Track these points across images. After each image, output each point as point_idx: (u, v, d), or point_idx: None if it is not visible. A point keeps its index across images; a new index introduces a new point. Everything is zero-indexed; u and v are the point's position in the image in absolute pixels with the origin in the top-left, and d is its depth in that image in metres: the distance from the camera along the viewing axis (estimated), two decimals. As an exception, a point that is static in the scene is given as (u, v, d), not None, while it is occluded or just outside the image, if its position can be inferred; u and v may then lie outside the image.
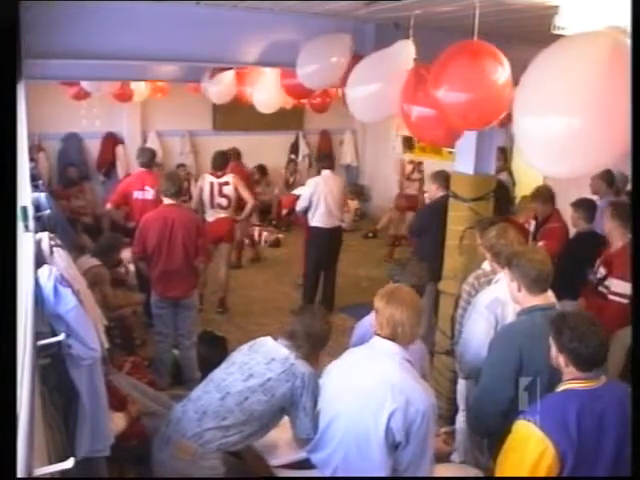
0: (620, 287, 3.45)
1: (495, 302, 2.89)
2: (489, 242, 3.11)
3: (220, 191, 5.86)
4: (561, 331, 2.11)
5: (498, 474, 2.14)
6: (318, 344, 2.69)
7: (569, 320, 2.12)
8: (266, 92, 4.82)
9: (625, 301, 3.43)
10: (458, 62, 2.54)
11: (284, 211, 6.58)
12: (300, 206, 6.02)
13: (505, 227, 3.17)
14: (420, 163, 8.49)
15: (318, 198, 5.85)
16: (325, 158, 6.59)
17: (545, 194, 4.74)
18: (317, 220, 5.93)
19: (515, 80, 2.54)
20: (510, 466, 2.07)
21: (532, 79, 2.08)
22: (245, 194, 5.99)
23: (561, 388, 2.12)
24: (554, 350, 2.15)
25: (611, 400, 2.07)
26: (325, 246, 6.00)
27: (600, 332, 2.06)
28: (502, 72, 2.51)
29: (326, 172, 6.06)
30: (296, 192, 6.77)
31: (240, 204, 6.10)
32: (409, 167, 8.54)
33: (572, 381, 2.09)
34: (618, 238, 3.73)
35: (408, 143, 8.32)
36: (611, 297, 3.60)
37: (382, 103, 3.18)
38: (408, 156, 8.44)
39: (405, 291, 2.36)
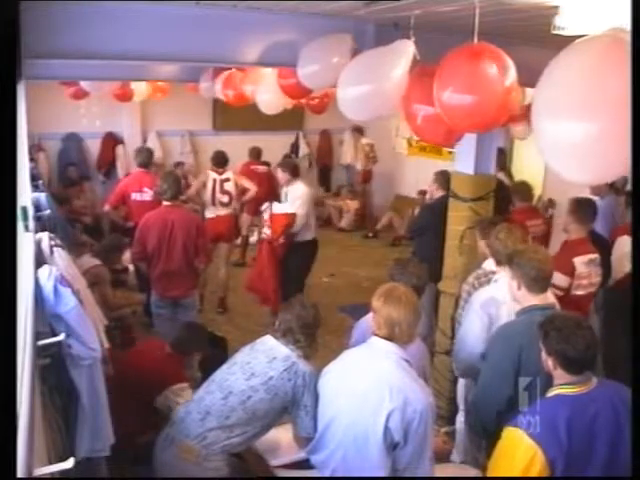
0: (555, 279, 3.41)
1: (490, 301, 2.91)
2: (493, 242, 3.11)
3: (222, 187, 5.93)
4: (548, 333, 2.10)
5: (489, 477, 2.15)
6: (313, 331, 2.69)
7: (555, 322, 2.11)
8: (270, 92, 4.78)
9: (557, 292, 3.40)
10: (464, 64, 2.53)
11: (280, 239, 5.31)
12: (300, 226, 5.44)
13: (510, 227, 3.18)
14: (372, 145, 9.45)
15: (303, 208, 5.39)
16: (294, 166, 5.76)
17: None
18: (309, 234, 5.57)
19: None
20: (500, 473, 2.06)
21: (553, 81, 2.04)
22: (246, 184, 6.15)
23: (551, 393, 2.11)
24: (543, 353, 2.14)
25: (603, 403, 2.06)
26: (308, 260, 5.66)
27: (587, 334, 2.05)
28: (508, 75, 2.50)
29: (299, 181, 5.51)
30: (281, 209, 5.46)
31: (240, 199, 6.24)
32: (367, 148, 9.41)
33: (562, 386, 2.08)
34: (572, 233, 3.75)
35: (359, 131, 9.57)
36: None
37: (374, 102, 3.17)
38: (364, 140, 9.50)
39: (402, 290, 2.36)
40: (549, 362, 2.11)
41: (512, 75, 2.50)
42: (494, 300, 2.89)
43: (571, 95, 1.96)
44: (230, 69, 5.36)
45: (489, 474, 2.15)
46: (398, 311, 2.26)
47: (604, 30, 2.01)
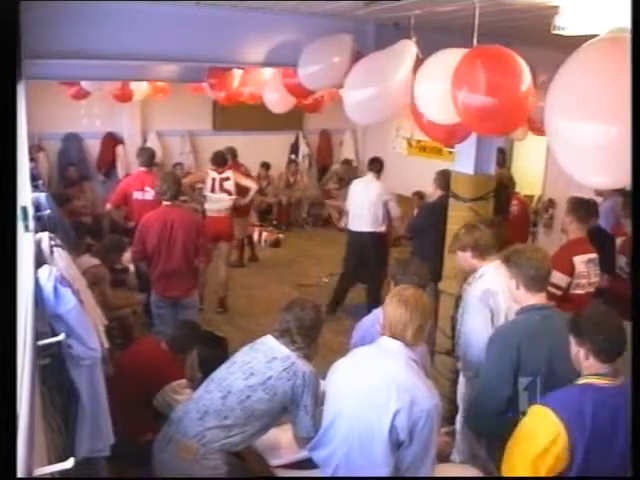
0: (554, 277, 3.39)
1: (486, 294, 2.92)
2: (464, 241, 3.13)
3: (221, 186, 5.97)
4: (578, 323, 2.12)
5: (505, 458, 2.14)
6: (312, 333, 2.68)
7: (586, 312, 2.16)
8: (278, 91, 4.76)
9: (556, 291, 3.42)
10: (483, 65, 2.52)
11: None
12: (346, 208, 6.26)
13: (473, 225, 3.23)
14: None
15: (349, 201, 6.08)
16: (373, 161, 6.30)
17: None
18: (348, 223, 6.11)
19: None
20: (520, 449, 2.07)
21: (570, 82, 2.02)
22: (246, 182, 6.18)
23: (581, 382, 2.13)
24: (573, 345, 2.15)
25: (627, 399, 2.07)
26: (354, 250, 6.00)
27: (616, 320, 2.07)
28: (525, 78, 2.48)
29: (368, 175, 6.09)
30: None
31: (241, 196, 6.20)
32: None
33: (591, 376, 2.10)
34: (572, 232, 3.75)
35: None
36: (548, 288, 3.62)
37: (381, 105, 3.17)
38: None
39: (412, 292, 2.37)
40: (580, 353, 2.12)
41: (528, 78, 2.49)
42: (489, 292, 2.91)
43: (589, 98, 1.93)
44: (228, 69, 5.34)
45: (506, 452, 2.14)
46: (409, 313, 2.27)
47: (612, 29, 1.99)
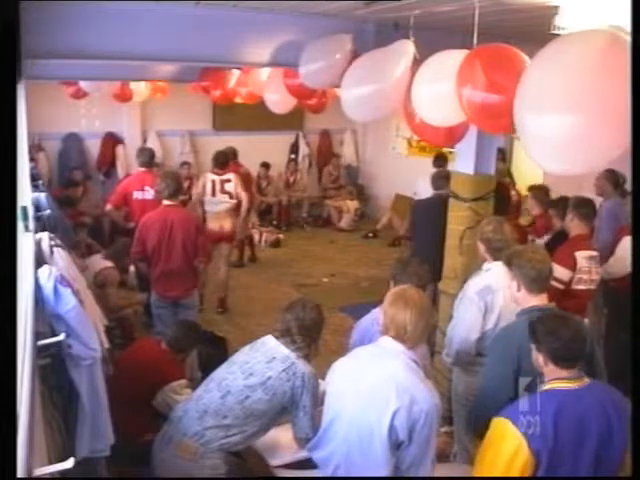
0: (557, 272, 3.38)
1: (486, 289, 2.95)
2: (485, 235, 3.14)
3: (222, 188, 5.90)
4: (535, 328, 2.14)
5: (476, 470, 2.15)
6: (312, 333, 2.68)
7: (542, 318, 2.18)
8: (279, 92, 4.75)
9: (558, 285, 3.44)
10: (489, 63, 2.53)
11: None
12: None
13: (501, 221, 3.21)
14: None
15: (417, 195, 6.34)
16: (436, 159, 6.61)
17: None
18: None
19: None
20: (486, 462, 2.08)
21: (533, 75, 2.10)
22: (241, 191, 6.01)
23: (543, 388, 2.12)
24: (534, 351, 2.17)
25: (592, 401, 2.07)
26: None
27: (572, 325, 2.09)
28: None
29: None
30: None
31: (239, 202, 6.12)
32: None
33: (554, 381, 2.10)
34: (574, 230, 3.78)
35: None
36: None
37: (378, 103, 3.18)
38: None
39: (411, 293, 2.37)
40: (539, 358, 2.13)
41: None
42: (489, 288, 2.94)
43: (550, 88, 2.01)
44: (221, 68, 5.34)
45: (476, 465, 2.15)
46: (409, 313, 2.27)
47: (610, 28, 2.04)
